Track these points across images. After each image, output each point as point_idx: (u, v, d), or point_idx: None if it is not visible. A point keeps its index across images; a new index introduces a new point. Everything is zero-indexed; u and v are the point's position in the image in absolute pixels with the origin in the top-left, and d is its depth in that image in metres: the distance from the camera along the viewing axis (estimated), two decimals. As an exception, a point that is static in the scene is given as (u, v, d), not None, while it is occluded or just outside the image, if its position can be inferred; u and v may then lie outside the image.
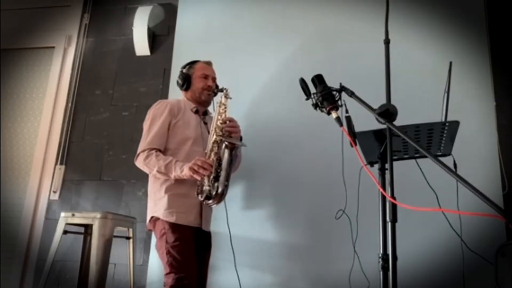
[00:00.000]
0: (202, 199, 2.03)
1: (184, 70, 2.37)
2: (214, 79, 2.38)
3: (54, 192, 3.28)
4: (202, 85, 2.31)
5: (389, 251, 1.41)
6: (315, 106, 1.65)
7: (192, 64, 2.39)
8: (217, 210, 2.31)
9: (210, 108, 2.45)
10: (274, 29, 3.05)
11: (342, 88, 1.62)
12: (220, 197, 2.03)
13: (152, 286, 2.71)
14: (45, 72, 3.62)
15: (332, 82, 1.66)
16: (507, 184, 2.49)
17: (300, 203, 2.69)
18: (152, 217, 2.13)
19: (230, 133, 2.14)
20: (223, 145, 2.06)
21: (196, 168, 1.97)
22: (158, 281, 2.10)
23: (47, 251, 2.70)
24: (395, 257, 1.40)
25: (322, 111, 1.64)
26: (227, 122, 2.17)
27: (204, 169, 1.98)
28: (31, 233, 3.23)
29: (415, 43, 2.72)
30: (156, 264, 2.05)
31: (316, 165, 2.72)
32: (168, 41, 3.37)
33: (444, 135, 1.62)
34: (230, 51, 3.08)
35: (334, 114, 1.56)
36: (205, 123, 2.33)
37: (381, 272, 1.46)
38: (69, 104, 3.46)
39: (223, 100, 2.24)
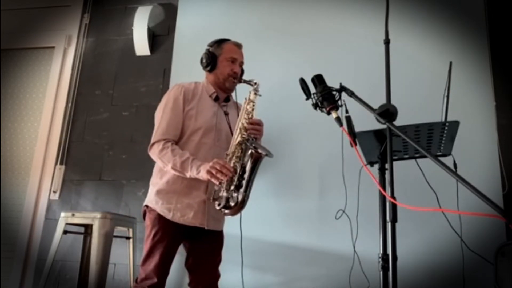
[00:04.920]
0: (219, 207, 1.88)
1: (211, 49, 2.11)
2: (241, 64, 2.15)
3: (54, 192, 3.28)
4: (228, 71, 2.06)
5: (389, 251, 1.41)
6: (315, 106, 1.65)
7: (220, 43, 2.13)
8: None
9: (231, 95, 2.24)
10: (274, 29, 3.05)
11: (342, 88, 1.62)
12: (239, 209, 1.87)
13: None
14: (45, 72, 3.62)
15: (332, 82, 1.66)
16: (507, 184, 2.49)
17: (300, 203, 2.69)
18: (147, 206, 2.01)
19: (255, 136, 1.96)
20: (249, 152, 1.87)
21: (214, 172, 1.80)
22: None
23: (47, 251, 2.71)
24: (395, 257, 1.40)
25: (322, 111, 1.64)
26: (254, 124, 1.97)
27: (223, 173, 1.81)
28: (31, 233, 3.23)
29: (415, 43, 2.72)
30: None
31: (316, 165, 2.72)
32: (168, 41, 3.37)
33: (444, 135, 1.62)
34: (230, 51, 3.07)
35: (334, 114, 1.56)
36: (226, 114, 2.11)
37: (381, 272, 1.46)
38: (69, 104, 3.46)
39: (252, 96, 2.01)
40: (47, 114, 3.48)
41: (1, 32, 3.69)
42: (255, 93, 2.02)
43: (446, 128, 1.59)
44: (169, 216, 1.93)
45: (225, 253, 2.22)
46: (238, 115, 2.06)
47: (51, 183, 3.30)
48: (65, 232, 2.68)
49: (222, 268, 2.06)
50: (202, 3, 3.26)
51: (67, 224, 2.68)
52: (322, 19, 2.99)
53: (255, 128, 1.98)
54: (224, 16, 3.19)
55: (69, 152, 3.37)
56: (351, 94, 1.58)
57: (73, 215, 2.68)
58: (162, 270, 1.91)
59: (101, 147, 3.32)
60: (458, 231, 1.99)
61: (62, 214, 2.71)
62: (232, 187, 1.87)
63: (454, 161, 1.72)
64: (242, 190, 1.86)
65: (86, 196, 3.24)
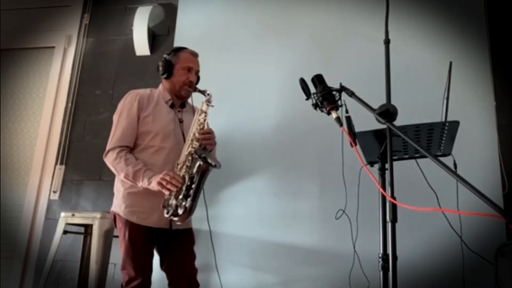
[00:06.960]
0: (168, 215, 1.94)
1: (167, 57, 2.16)
2: (197, 72, 2.20)
3: (54, 192, 3.28)
4: (183, 79, 2.13)
5: (389, 251, 1.41)
6: (315, 106, 1.65)
7: (177, 51, 2.19)
8: (216, 209, 2.31)
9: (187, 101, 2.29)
10: (274, 29, 3.05)
11: (342, 88, 1.62)
12: (187, 216, 1.94)
13: (152, 286, 2.70)
14: (45, 72, 3.62)
15: (332, 82, 1.66)
16: (507, 184, 2.49)
17: (300, 203, 2.69)
18: (113, 212, 2.06)
19: (206, 146, 2.02)
20: (197, 163, 1.93)
21: (164, 183, 1.87)
22: (158, 281, 2.10)
23: (47, 251, 2.71)
24: (395, 257, 1.40)
25: (322, 111, 1.64)
26: (205, 134, 2.03)
27: (173, 184, 1.88)
28: (31, 233, 3.23)
29: (415, 43, 2.71)
30: (155, 264, 2.04)
31: (316, 165, 2.72)
32: (168, 41, 3.37)
33: (444, 135, 1.62)
34: (230, 51, 3.08)
35: (334, 114, 1.56)
36: (181, 121, 2.16)
37: (381, 272, 1.46)
38: (69, 104, 3.46)
39: (205, 107, 2.07)
40: (47, 114, 3.48)
41: (1, 32, 3.69)
42: (208, 104, 2.08)
43: (446, 128, 1.59)
44: (133, 219, 1.98)
45: (219, 252, 2.23)
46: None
47: (51, 183, 3.30)
48: (65, 232, 2.69)
49: (219, 267, 2.05)
50: (202, 3, 3.25)
51: (67, 224, 2.69)
52: (322, 19, 2.99)
53: (206, 138, 2.03)
54: (224, 16, 3.19)
55: (69, 152, 3.37)
56: (351, 94, 1.58)
57: (73, 215, 2.68)
58: (145, 268, 1.95)
59: (101, 147, 3.29)
60: (458, 231, 1.99)
61: (62, 214, 2.71)
62: (181, 196, 1.93)
63: (454, 161, 1.72)
64: (190, 199, 1.93)
65: (86, 196, 3.23)
